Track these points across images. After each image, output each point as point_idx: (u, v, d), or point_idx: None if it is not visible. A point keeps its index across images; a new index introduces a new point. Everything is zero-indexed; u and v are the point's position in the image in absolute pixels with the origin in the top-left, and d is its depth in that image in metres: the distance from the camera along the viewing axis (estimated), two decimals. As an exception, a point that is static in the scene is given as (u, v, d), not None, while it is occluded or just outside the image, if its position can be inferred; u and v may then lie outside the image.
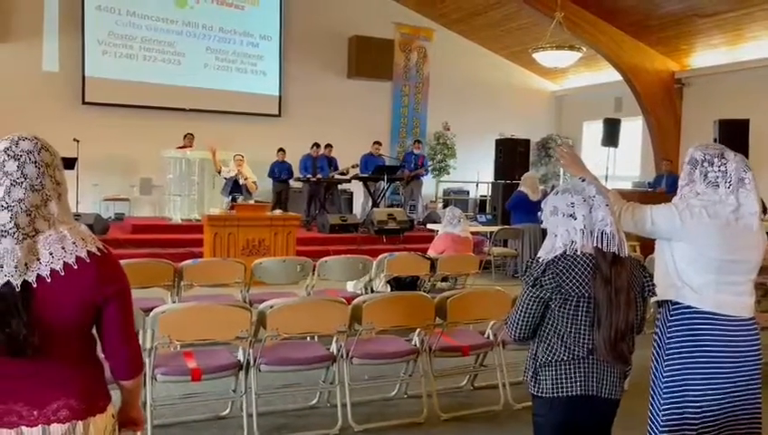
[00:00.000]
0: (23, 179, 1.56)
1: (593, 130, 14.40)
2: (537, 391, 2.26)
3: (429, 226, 10.68)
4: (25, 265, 1.53)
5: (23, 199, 1.55)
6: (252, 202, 8.67)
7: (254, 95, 12.77)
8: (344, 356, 3.82)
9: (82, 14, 11.32)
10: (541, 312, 2.22)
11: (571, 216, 2.20)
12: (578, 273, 2.15)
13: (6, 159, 1.57)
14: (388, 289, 5.79)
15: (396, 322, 3.97)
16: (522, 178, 9.35)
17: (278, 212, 8.76)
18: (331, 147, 11.80)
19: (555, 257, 2.18)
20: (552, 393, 2.21)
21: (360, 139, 12.18)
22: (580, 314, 2.17)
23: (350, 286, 6.03)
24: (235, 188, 9.29)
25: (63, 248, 1.57)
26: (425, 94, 14.47)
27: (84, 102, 11.40)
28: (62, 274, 1.55)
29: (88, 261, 1.58)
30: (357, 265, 5.71)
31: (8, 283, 1.51)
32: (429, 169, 13.24)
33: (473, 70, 14.42)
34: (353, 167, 11.59)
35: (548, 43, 10.36)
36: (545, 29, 10.45)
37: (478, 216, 10.95)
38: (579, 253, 2.16)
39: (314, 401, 4.14)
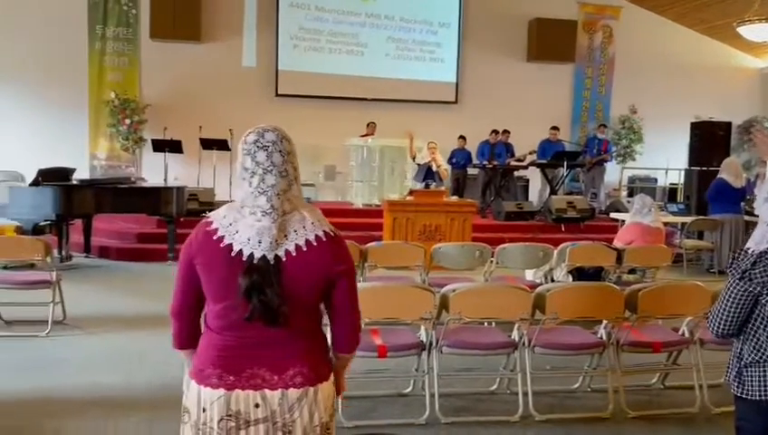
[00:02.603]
0: (272, 167, 1.74)
1: (809, 111, 12.73)
2: (741, 393, 2.09)
3: (613, 215, 10.16)
4: (276, 241, 1.72)
5: (274, 185, 1.74)
6: (442, 188, 8.84)
7: (432, 83, 12.93)
8: (526, 344, 3.77)
9: (277, 12, 12.21)
10: (749, 307, 2.05)
11: (789, 205, 1.99)
12: (795, 267, 1.94)
13: (256, 150, 1.76)
14: (570, 279, 5.60)
15: (581, 313, 3.84)
16: (722, 164, 8.54)
17: (454, 199, 8.83)
18: (509, 133, 11.63)
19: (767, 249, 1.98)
20: (761, 396, 2.03)
21: (538, 124, 11.89)
22: (796, 312, 1.96)
23: (529, 275, 5.92)
24: (428, 174, 9.50)
25: (304, 227, 1.75)
26: (609, 76, 13.71)
27: (277, 95, 12.30)
28: (305, 249, 1.73)
29: (324, 240, 1.76)
30: (537, 254, 5.59)
31: (264, 256, 1.71)
32: (614, 154, 12.55)
33: (664, 48, 13.39)
34: (531, 153, 11.34)
35: (756, 16, 9.30)
36: (747, 0, 9.38)
37: (668, 205, 10.18)
38: (797, 246, 1.95)
39: (494, 387, 4.13)
